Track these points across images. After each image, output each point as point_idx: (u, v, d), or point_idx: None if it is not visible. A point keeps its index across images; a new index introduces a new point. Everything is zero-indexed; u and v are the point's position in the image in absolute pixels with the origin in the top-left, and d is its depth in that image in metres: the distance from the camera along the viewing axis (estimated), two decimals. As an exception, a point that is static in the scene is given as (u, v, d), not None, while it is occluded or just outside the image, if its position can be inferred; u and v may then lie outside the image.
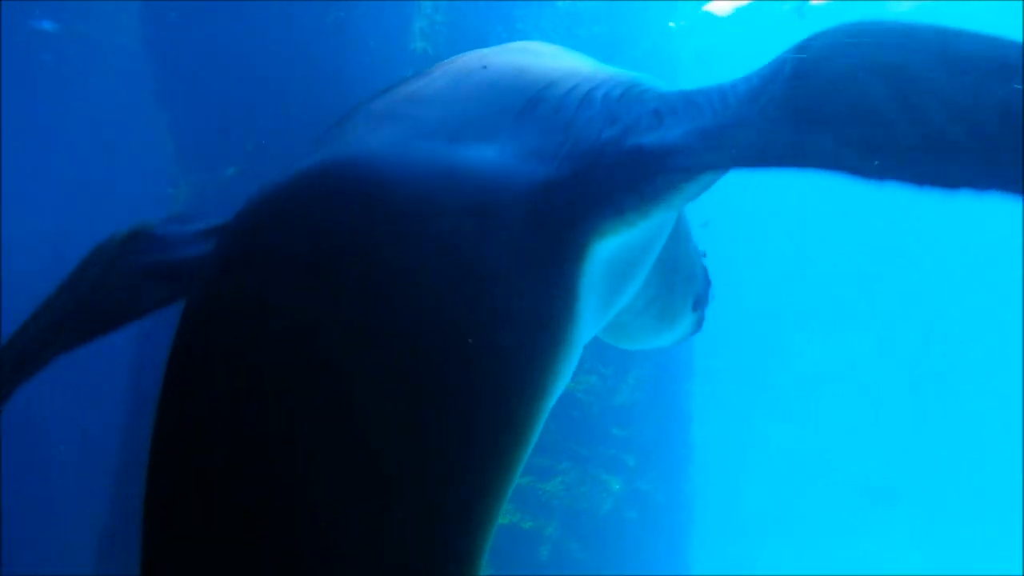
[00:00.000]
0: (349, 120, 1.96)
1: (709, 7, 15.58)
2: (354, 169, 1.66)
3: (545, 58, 2.13)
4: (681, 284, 2.75)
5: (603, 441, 8.46)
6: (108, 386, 8.38)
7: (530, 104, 1.90)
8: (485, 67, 2.02)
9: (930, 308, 26.49)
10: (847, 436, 25.76)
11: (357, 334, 1.52)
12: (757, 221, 24.28)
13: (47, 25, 10.18)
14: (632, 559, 8.62)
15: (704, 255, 3.02)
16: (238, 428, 1.51)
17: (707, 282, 3.02)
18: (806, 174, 1.59)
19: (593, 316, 1.98)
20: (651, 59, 10.06)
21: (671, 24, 15.21)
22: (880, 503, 25.25)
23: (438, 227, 1.61)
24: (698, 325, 3.05)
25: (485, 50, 2.17)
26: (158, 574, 1.53)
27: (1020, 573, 22.21)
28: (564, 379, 1.81)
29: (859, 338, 26.39)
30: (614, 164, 1.77)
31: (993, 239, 25.42)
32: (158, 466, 1.59)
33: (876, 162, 1.51)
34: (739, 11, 15.80)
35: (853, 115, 1.54)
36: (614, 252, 1.92)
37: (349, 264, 1.56)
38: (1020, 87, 1.49)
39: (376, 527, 1.48)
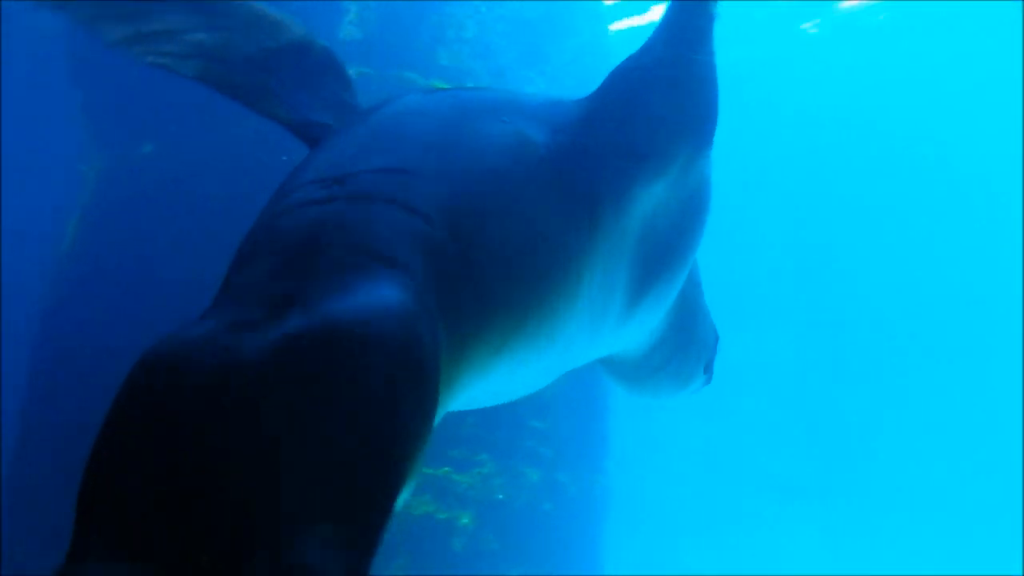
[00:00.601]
0: None
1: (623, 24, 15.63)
2: (435, 93, 2.22)
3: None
4: (695, 352, 3.25)
5: (521, 433, 8.50)
6: (6, 368, 8.05)
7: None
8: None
9: (848, 305, 27.28)
10: (762, 432, 26.35)
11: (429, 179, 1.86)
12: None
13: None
14: (547, 551, 8.69)
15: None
16: None
17: (715, 337, 3.54)
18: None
19: (619, 276, 2.35)
20: (583, 55, 10.11)
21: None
22: (794, 499, 25.90)
23: (497, 126, 2.07)
24: (707, 380, 3.59)
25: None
26: None
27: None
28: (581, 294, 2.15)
29: (775, 335, 27.06)
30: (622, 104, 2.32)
31: (902, 238, 26.35)
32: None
33: None
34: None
35: None
36: (641, 222, 2.33)
37: (438, 140, 1.95)
38: None
39: None
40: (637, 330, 2.68)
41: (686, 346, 3.14)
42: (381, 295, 1.41)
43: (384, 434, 1.24)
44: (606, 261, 2.19)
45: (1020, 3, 15.02)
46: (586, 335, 2.27)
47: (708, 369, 3.45)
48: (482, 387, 1.97)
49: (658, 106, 2.33)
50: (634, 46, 2.46)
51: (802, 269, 26.92)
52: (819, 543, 25.21)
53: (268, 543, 1.07)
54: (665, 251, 2.48)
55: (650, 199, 2.32)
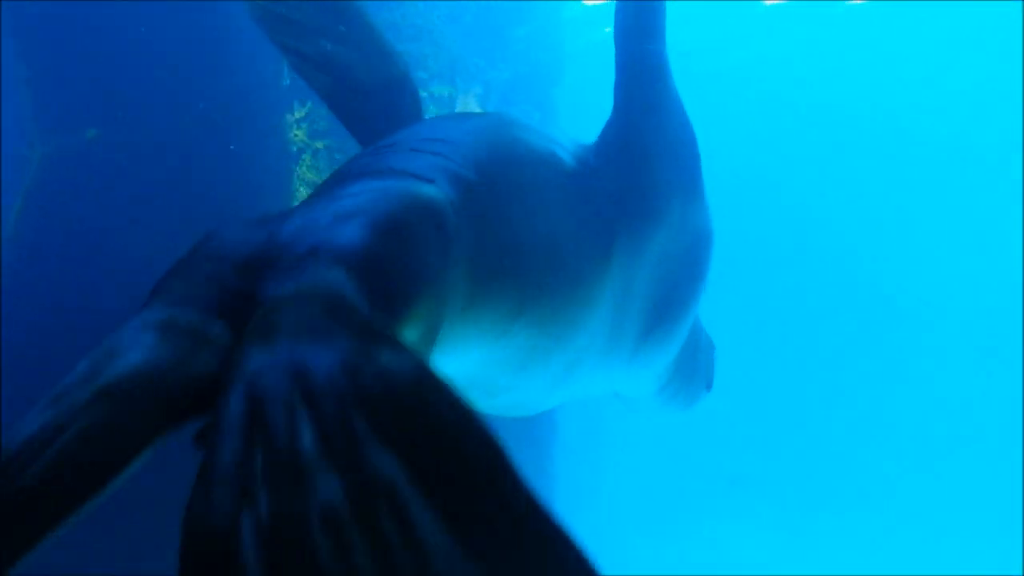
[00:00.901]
0: None
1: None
2: (478, 113, 2.45)
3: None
4: (699, 380, 3.69)
5: (470, 424, 8.50)
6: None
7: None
8: None
9: (790, 297, 27.63)
10: (714, 425, 26.52)
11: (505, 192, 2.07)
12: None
13: None
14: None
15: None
16: None
17: (712, 347, 3.96)
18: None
19: (631, 312, 2.54)
20: (533, 47, 10.14)
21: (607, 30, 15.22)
22: (746, 494, 26.08)
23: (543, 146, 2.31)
24: (709, 391, 4.00)
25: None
26: None
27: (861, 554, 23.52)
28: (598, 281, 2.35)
29: (721, 327, 27.31)
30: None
31: (840, 234, 26.73)
32: None
33: None
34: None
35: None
36: (649, 269, 2.52)
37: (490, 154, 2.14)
38: None
39: None
40: (646, 368, 2.91)
41: (692, 377, 3.50)
42: (410, 182, 1.71)
43: (394, 231, 1.49)
44: (616, 295, 2.38)
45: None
46: (596, 357, 2.44)
47: (709, 385, 3.86)
48: (494, 360, 2.10)
49: (623, 104, 2.48)
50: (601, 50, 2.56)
51: (757, 263, 27.22)
52: (772, 540, 25.38)
53: (299, 274, 1.31)
54: (671, 297, 2.71)
55: (655, 246, 2.52)
